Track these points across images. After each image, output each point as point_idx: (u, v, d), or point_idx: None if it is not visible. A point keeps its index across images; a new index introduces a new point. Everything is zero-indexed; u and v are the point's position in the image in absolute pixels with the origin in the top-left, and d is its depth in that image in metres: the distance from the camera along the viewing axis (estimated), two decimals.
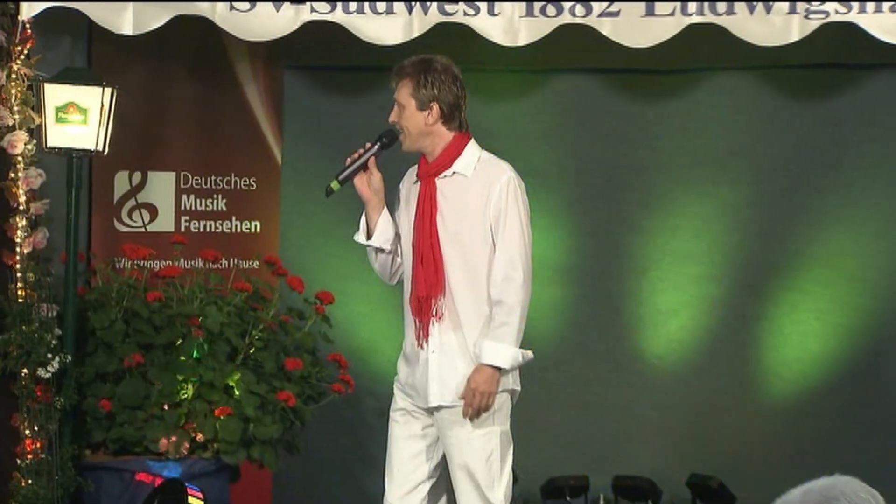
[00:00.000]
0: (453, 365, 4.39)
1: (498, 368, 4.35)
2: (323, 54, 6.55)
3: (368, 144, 4.42)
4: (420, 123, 4.42)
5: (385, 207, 4.47)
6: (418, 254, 4.40)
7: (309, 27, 5.84)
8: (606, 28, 5.75)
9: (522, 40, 5.78)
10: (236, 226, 6.71)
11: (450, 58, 4.57)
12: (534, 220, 6.73)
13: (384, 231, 4.48)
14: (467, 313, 4.38)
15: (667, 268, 6.81)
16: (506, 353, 4.35)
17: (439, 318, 4.37)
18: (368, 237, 4.48)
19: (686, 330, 6.78)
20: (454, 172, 4.43)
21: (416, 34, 5.76)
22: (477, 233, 4.40)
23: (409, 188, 4.53)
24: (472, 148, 4.48)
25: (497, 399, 4.38)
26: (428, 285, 4.36)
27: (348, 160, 4.41)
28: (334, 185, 4.38)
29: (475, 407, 4.34)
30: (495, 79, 6.80)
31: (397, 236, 4.53)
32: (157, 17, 5.78)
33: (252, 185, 6.73)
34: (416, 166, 4.53)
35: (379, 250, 4.50)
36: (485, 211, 4.39)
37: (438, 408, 4.42)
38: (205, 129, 6.67)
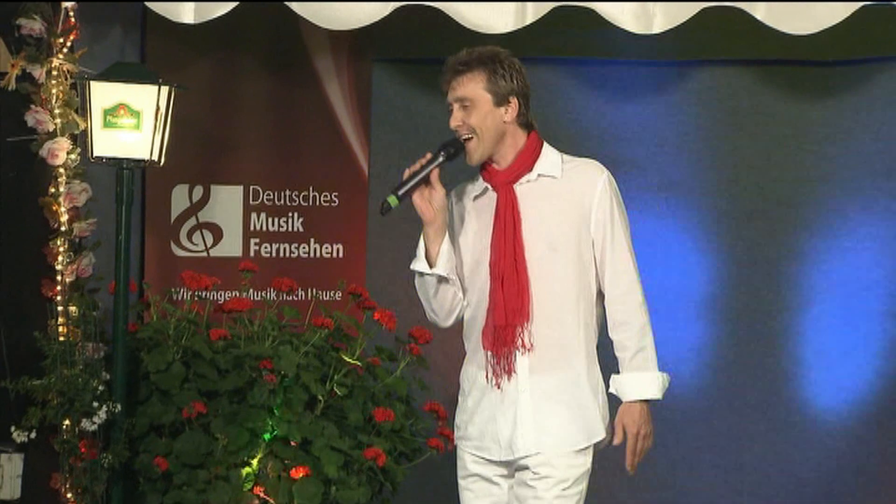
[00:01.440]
0: (551, 407, 4.38)
1: (647, 401, 4.40)
2: (418, 45, 6.57)
3: (429, 155, 4.40)
4: (497, 122, 4.40)
5: (447, 230, 4.45)
6: (497, 275, 4.38)
7: (402, 13, 5.83)
8: (760, 11, 5.67)
9: (658, 27, 5.74)
10: (315, 250, 6.73)
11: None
12: (671, 243, 6.66)
13: (449, 258, 4.45)
14: (569, 338, 4.38)
15: (836, 301, 6.71)
16: (653, 381, 4.39)
17: (527, 350, 4.36)
18: (430, 265, 4.45)
19: (860, 377, 6.67)
20: (539, 175, 4.43)
21: (529, 20, 5.73)
22: (577, 241, 4.40)
23: (469, 205, 4.51)
24: (550, 148, 4.49)
25: (584, 455, 4.39)
26: (510, 311, 4.35)
27: (407, 172, 4.40)
28: (392, 200, 4.37)
29: (640, 452, 4.38)
30: (626, 73, 6.78)
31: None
32: (223, 3, 5.77)
33: (334, 202, 6.75)
34: (473, 182, 4.52)
35: (442, 280, 4.46)
36: (585, 215, 4.40)
37: (525, 458, 4.37)
38: (279, 134, 6.68)
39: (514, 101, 4.39)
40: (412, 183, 4.38)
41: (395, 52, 6.76)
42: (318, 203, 6.74)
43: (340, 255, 6.74)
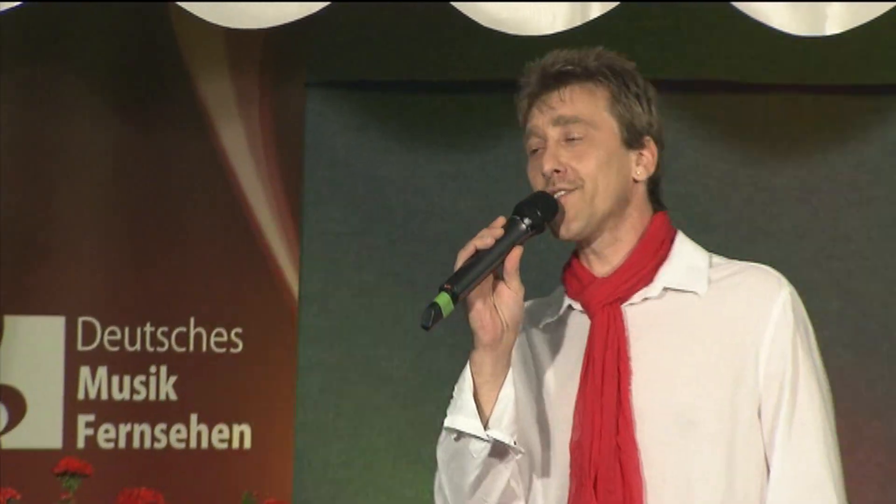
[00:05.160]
0: None
1: None
2: (388, 59, 7.03)
3: (502, 222, 4.30)
4: (626, 176, 4.41)
5: (512, 365, 4.40)
6: (587, 469, 4.43)
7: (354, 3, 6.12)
8: None
9: (835, 25, 5.79)
10: (200, 434, 6.92)
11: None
12: None
13: (515, 415, 4.41)
14: None
15: None
16: None
17: None
18: (484, 424, 4.40)
19: None
20: (665, 289, 4.45)
21: (594, 14, 5.81)
22: (732, 410, 4.41)
23: (536, 338, 4.56)
24: (687, 241, 4.52)
25: None
26: None
27: (463, 256, 4.28)
28: (443, 300, 4.22)
29: None
30: (778, 104, 7.09)
31: None
32: None
33: (235, 345, 6.96)
34: (553, 297, 4.52)
35: (498, 453, 4.41)
36: (749, 362, 4.41)
37: None
38: (133, 221, 6.86)
39: (652, 147, 4.34)
40: (477, 272, 4.24)
41: (346, 72, 7.10)
42: (204, 347, 6.93)
43: (246, 443, 6.93)
